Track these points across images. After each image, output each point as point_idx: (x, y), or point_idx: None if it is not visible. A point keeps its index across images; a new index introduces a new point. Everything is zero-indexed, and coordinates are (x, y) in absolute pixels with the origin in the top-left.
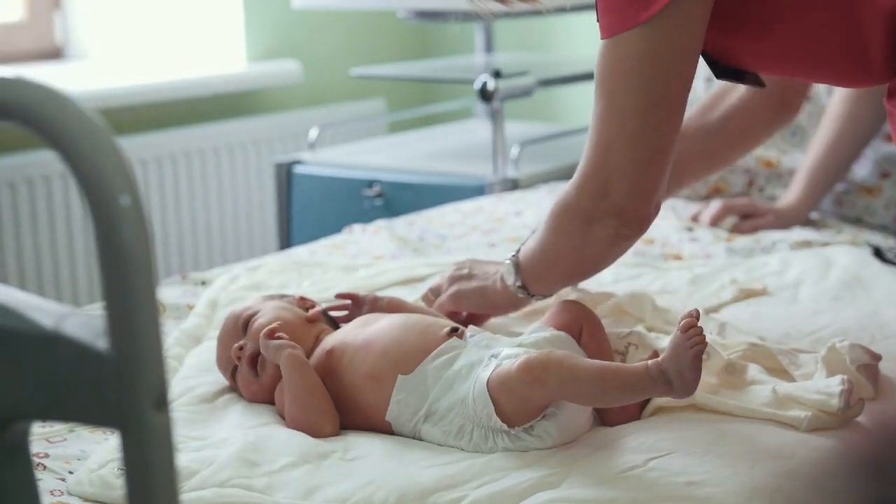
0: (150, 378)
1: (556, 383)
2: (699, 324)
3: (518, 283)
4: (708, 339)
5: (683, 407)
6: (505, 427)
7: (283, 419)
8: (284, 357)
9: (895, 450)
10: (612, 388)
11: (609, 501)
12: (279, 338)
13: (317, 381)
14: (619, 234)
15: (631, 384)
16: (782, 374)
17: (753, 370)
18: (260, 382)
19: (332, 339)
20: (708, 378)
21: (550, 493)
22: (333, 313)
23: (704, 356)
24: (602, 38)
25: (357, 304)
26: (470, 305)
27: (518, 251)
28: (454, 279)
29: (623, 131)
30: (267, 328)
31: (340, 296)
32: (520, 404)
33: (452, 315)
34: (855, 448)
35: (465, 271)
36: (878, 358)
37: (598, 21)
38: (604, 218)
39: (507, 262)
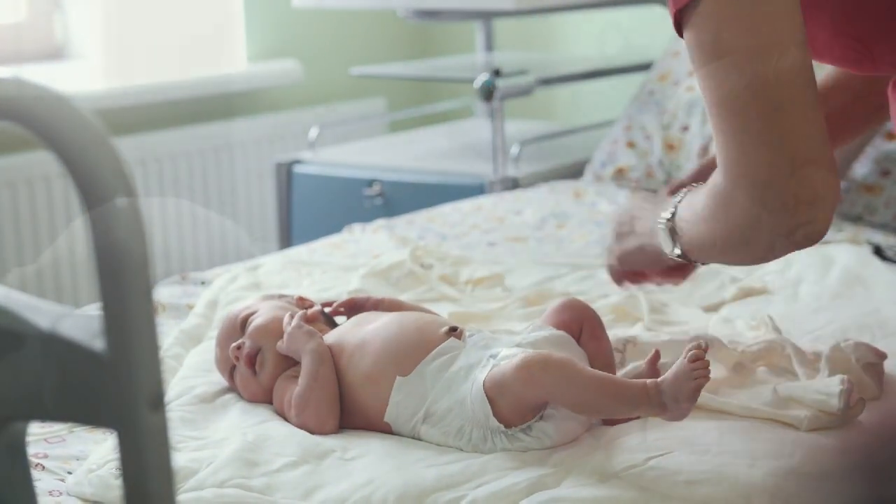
0: (145, 378)
1: (552, 386)
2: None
3: (677, 253)
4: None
5: None
6: (502, 427)
7: (281, 417)
8: (314, 344)
9: (895, 450)
10: (607, 399)
11: (608, 500)
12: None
13: (335, 379)
14: (802, 239)
15: (626, 399)
16: (791, 374)
17: (761, 372)
18: (258, 382)
19: (329, 339)
20: (713, 374)
21: (550, 493)
22: (329, 310)
23: (704, 345)
24: (676, 13)
25: (355, 308)
26: (634, 264)
27: (672, 217)
28: (619, 236)
29: (749, 97)
30: (305, 312)
31: (340, 305)
32: (515, 404)
33: (631, 278)
34: (855, 447)
35: (626, 227)
36: (883, 356)
37: (672, 7)
38: (779, 228)
39: (661, 227)
